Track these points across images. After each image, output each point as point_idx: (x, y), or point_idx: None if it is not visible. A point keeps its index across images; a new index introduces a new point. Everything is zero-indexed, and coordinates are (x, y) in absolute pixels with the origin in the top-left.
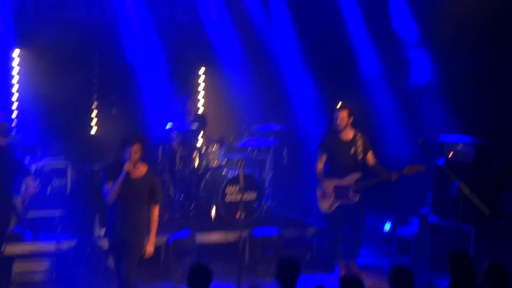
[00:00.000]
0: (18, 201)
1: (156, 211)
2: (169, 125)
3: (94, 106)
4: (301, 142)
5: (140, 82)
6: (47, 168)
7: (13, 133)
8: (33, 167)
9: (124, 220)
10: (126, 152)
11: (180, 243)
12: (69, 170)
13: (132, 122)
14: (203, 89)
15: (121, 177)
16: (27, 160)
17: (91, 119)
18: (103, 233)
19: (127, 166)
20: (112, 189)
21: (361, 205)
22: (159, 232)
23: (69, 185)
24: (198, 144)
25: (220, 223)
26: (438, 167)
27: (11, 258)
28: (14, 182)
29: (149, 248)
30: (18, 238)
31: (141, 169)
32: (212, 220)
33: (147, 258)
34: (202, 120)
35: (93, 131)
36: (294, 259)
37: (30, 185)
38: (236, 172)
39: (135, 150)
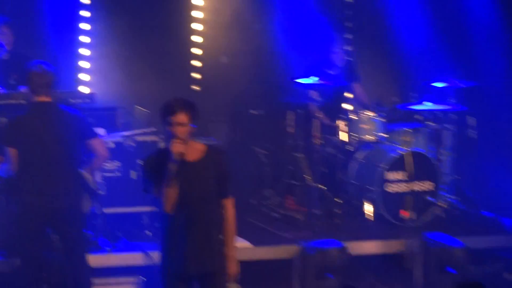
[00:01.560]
0: (86, 175)
1: (231, 209)
2: (305, 80)
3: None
4: (495, 107)
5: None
6: (130, 143)
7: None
8: (110, 141)
9: (191, 239)
10: (168, 127)
11: (324, 255)
12: (162, 146)
13: (247, 75)
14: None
15: (170, 167)
16: (100, 130)
17: (193, 71)
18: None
19: (176, 147)
20: (164, 193)
21: None
22: (290, 238)
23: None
24: (347, 108)
25: (378, 226)
26: None
27: None
28: (75, 150)
29: (232, 268)
30: (92, 246)
31: (197, 149)
32: (367, 221)
33: (232, 282)
34: (352, 74)
35: (196, 88)
36: (480, 284)
37: (99, 149)
38: (402, 151)
39: (181, 121)
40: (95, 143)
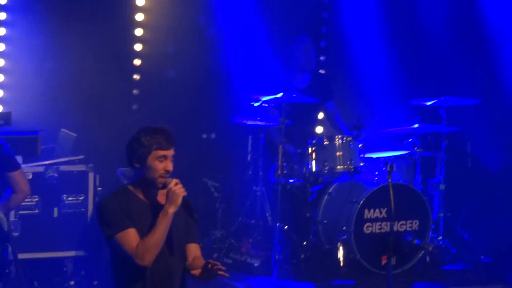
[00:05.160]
0: None
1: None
2: (266, 97)
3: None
4: (501, 129)
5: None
6: (52, 173)
7: None
8: (28, 173)
9: None
10: (156, 162)
11: None
12: (91, 179)
13: (196, 91)
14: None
15: (167, 211)
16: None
17: (132, 86)
18: None
19: (180, 188)
20: (153, 243)
21: None
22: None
23: (90, 206)
24: (317, 132)
25: (354, 274)
26: None
27: None
28: None
29: None
30: None
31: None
32: (340, 268)
33: None
34: (325, 90)
35: (135, 107)
36: None
37: (20, 183)
38: (383, 184)
39: (172, 155)
40: (15, 176)
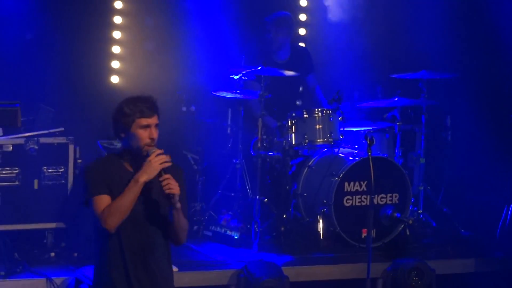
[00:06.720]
0: None
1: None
2: (246, 70)
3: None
4: (469, 103)
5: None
6: (32, 145)
7: None
8: (9, 145)
9: (138, 269)
10: (140, 130)
11: (264, 284)
12: (71, 151)
13: (175, 64)
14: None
15: (138, 178)
16: None
17: (112, 59)
18: None
19: (162, 158)
20: (119, 207)
21: None
22: (224, 261)
23: (71, 178)
24: (298, 105)
25: (334, 247)
26: None
27: None
28: None
29: None
30: None
31: None
32: (320, 240)
33: None
34: (305, 63)
35: (114, 80)
36: None
37: None
38: (362, 157)
39: (157, 124)
40: None
